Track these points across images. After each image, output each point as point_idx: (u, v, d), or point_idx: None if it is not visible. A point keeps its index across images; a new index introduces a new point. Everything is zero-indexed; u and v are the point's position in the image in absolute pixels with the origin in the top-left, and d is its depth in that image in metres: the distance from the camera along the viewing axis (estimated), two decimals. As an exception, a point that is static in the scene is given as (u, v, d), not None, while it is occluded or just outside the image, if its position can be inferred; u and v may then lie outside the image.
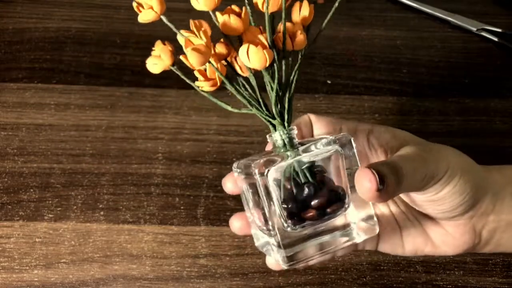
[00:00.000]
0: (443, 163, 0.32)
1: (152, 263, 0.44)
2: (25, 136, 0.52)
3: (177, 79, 0.63)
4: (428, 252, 0.37)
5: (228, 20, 0.29)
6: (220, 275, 0.44)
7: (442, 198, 0.33)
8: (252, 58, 0.28)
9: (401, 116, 0.55)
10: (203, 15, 0.31)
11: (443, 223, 0.36)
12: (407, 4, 0.66)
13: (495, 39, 0.62)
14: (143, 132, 0.53)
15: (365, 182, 0.28)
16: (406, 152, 0.32)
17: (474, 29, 0.63)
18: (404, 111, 0.55)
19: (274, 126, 0.31)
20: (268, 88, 0.31)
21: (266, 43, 0.30)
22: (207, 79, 0.31)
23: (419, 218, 0.37)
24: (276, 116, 0.31)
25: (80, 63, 0.58)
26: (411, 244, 0.37)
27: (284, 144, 0.31)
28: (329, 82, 0.57)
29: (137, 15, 0.31)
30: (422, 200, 0.34)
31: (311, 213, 0.31)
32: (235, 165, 0.32)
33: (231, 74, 0.31)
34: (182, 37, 0.30)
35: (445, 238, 0.36)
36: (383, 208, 0.37)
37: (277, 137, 0.31)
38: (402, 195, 0.36)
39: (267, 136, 0.32)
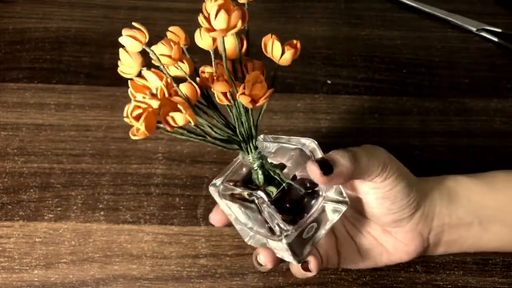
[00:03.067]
0: (397, 163, 0.37)
1: (152, 263, 0.44)
2: (25, 136, 0.52)
3: (177, 79, 0.62)
4: (387, 261, 0.41)
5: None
6: (220, 275, 0.44)
7: (394, 196, 0.37)
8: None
9: (401, 116, 0.55)
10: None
11: (393, 232, 0.40)
12: (407, 4, 0.66)
13: (495, 39, 0.62)
14: (143, 132, 0.53)
15: (311, 173, 0.34)
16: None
17: (474, 29, 0.63)
18: (404, 111, 0.55)
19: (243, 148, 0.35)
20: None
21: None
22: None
23: (372, 232, 0.41)
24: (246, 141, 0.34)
25: (80, 63, 0.58)
26: (368, 257, 0.41)
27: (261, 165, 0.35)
28: (329, 82, 0.57)
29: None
30: (378, 197, 0.37)
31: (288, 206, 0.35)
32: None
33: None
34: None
35: (397, 246, 0.40)
36: (341, 230, 0.41)
37: (249, 159, 0.35)
38: (360, 203, 0.40)
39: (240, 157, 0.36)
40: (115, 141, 0.52)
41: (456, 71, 0.59)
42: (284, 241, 0.34)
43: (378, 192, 0.37)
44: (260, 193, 0.34)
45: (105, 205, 0.48)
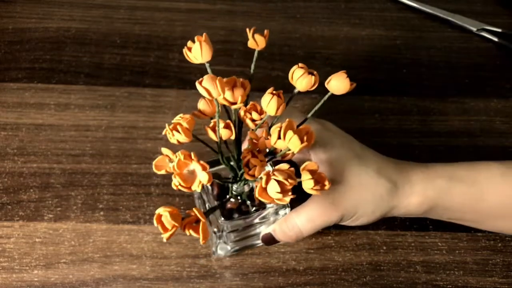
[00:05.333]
0: (352, 210, 0.38)
1: (152, 263, 0.44)
2: (25, 136, 0.52)
3: (177, 79, 0.63)
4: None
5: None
6: (220, 275, 0.44)
7: (362, 223, 0.40)
8: None
9: (401, 116, 0.55)
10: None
11: None
12: (407, 4, 0.66)
13: (495, 39, 0.62)
14: (143, 132, 0.53)
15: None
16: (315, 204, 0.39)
17: (474, 29, 0.63)
18: (404, 111, 0.55)
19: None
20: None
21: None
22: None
23: None
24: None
25: (80, 63, 0.58)
26: None
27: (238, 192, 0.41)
28: (329, 82, 0.57)
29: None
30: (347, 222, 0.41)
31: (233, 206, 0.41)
32: None
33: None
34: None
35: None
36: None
37: (233, 188, 0.40)
38: None
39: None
40: (115, 141, 0.52)
41: (456, 71, 0.59)
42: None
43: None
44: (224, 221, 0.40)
45: (105, 205, 0.48)
